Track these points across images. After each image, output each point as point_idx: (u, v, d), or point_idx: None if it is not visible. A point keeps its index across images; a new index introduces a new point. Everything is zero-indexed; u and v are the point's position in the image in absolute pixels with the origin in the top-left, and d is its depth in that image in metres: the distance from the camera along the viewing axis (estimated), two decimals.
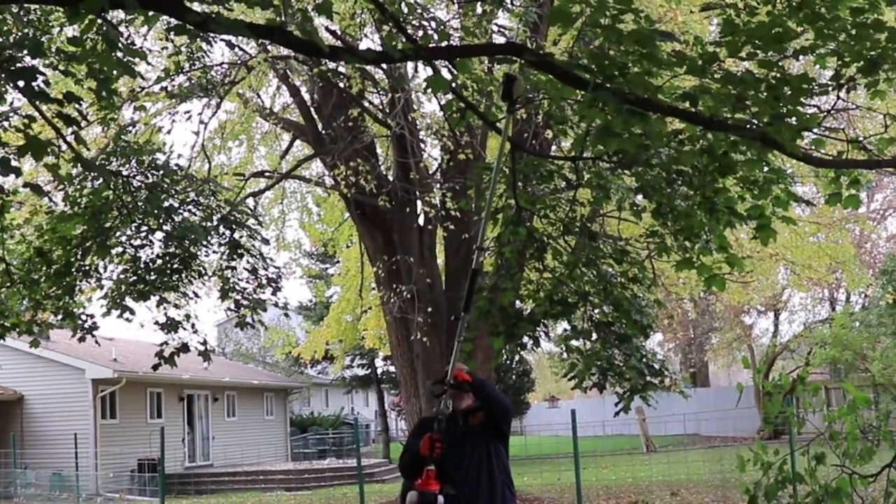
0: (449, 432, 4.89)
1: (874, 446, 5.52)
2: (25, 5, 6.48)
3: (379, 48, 9.00)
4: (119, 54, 5.69)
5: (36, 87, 5.64)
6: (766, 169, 7.41)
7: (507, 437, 5.60)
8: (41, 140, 5.58)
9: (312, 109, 14.13)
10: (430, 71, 4.96)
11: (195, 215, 9.24)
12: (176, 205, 9.16)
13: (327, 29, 11.96)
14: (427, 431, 4.96)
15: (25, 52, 5.88)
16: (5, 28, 6.20)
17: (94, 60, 5.95)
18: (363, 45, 11.53)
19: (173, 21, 4.42)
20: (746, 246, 15.24)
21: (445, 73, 6.09)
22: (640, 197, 7.04)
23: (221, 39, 3.76)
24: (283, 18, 4.02)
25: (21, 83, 5.41)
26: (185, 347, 9.07)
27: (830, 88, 4.65)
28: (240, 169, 15.88)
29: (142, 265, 9.00)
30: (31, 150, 5.50)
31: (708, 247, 6.43)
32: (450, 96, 7.60)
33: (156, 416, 24.84)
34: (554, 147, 12.39)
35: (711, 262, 6.34)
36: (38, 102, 5.84)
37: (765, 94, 4.42)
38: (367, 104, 13.69)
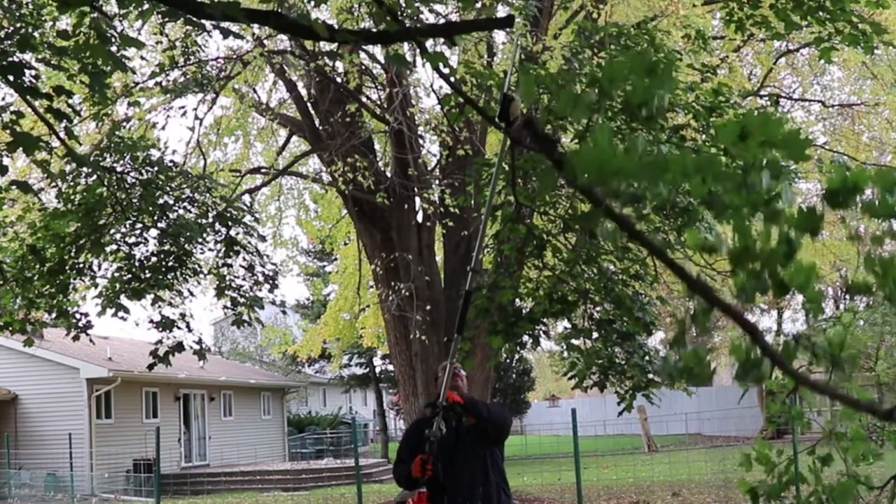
0: (447, 411, 4.84)
1: (879, 446, 5.41)
2: None
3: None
4: (113, 48, 5.58)
5: (27, 82, 5.52)
6: None
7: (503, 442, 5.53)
8: (31, 136, 5.47)
9: (309, 105, 14.02)
10: (428, 69, 4.87)
11: (190, 212, 9.15)
12: (171, 202, 9.07)
13: (324, 24, 11.85)
14: (419, 436, 4.92)
15: (13, 46, 5.76)
16: None
17: (86, 55, 5.83)
18: None
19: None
20: None
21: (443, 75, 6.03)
22: None
23: (215, 26, 3.64)
24: (278, 6, 3.92)
25: (10, 78, 5.29)
26: (179, 346, 8.99)
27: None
28: (236, 165, 15.76)
29: (136, 263, 8.91)
30: (21, 147, 5.39)
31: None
32: (449, 90, 7.49)
33: (151, 416, 24.70)
34: None
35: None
36: (28, 97, 5.74)
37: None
38: (364, 99, 13.57)
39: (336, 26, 11.89)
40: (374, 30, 5.70)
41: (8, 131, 5.60)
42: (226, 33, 3.49)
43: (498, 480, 5.20)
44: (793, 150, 1.29)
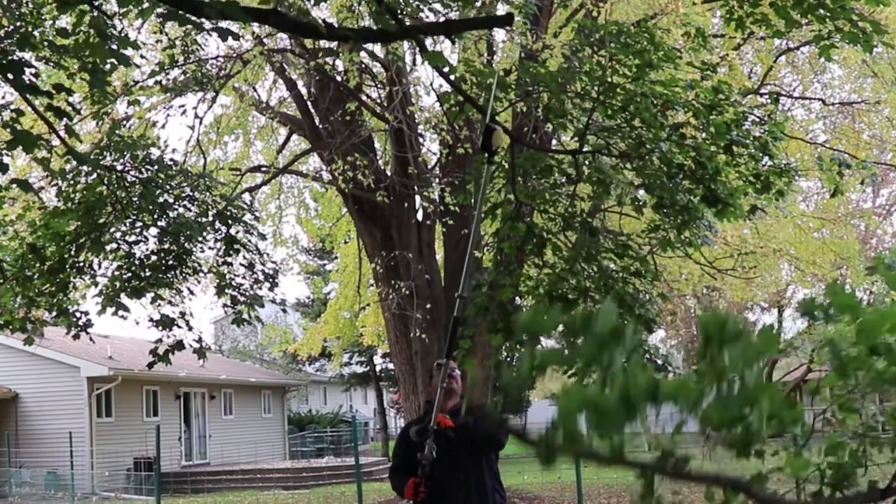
0: (437, 436, 4.80)
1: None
2: None
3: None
4: (113, 47, 5.57)
5: (27, 80, 5.52)
6: (768, 164, 7.34)
7: None
8: (31, 134, 5.47)
9: (309, 103, 14.01)
10: (428, 67, 4.88)
11: (190, 211, 9.14)
12: (171, 200, 9.06)
13: (324, 22, 11.84)
14: (411, 442, 4.93)
15: (13, 44, 5.76)
16: None
17: (86, 53, 5.83)
18: None
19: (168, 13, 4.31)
20: (750, 242, 15.15)
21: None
22: (641, 191, 6.94)
23: (214, 28, 3.64)
24: (278, 4, 3.92)
25: (10, 76, 5.29)
26: (179, 345, 8.99)
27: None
28: (236, 164, 15.76)
29: (136, 261, 8.90)
30: (21, 145, 5.39)
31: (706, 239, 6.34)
32: (448, 88, 7.49)
33: (152, 415, 24.71)
34: (554, 141, 12.27)
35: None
36: (28, 96, 5.74)
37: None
38: (364, 98, 13.57)
39: (336, 25, 11.91)
40: (374, 28, 5.70)
41: (8, 129, 5.60)
42: (224, 35, 3.49)
43: (493, 484, 5.18)
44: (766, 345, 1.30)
